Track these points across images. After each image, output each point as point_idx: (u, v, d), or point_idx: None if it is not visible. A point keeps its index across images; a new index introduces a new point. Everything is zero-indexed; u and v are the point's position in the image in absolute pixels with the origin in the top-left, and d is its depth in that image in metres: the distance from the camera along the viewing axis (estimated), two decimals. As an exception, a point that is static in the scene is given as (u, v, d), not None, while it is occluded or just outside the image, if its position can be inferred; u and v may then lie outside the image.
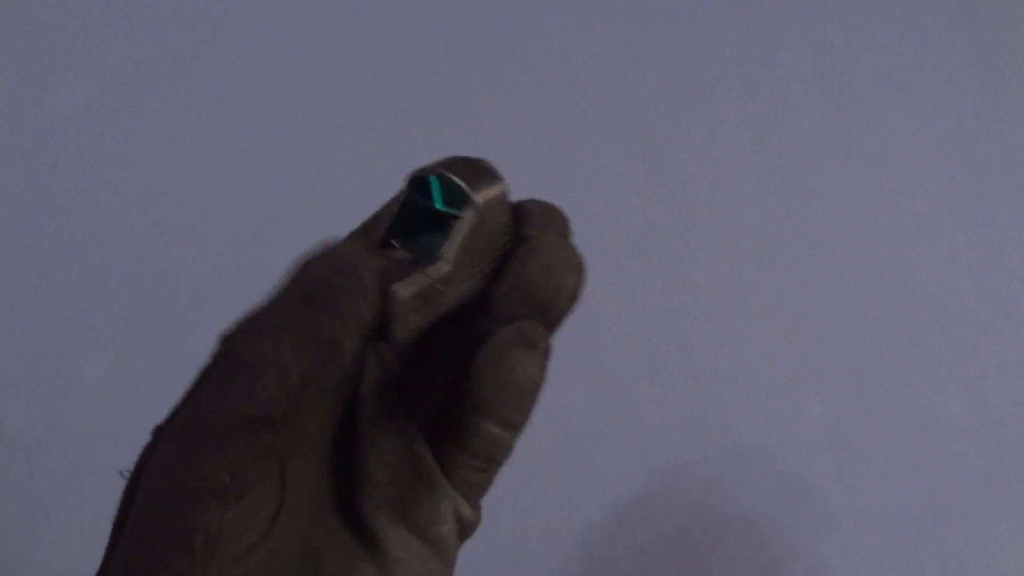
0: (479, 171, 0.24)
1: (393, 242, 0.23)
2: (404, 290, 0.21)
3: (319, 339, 0.19)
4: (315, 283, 0.20)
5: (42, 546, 0.64)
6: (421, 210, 0.24)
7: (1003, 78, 0.86)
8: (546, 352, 0.22)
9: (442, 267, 0.22)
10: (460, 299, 0.23)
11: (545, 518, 0.69)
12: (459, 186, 0.23)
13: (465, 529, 0.24)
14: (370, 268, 0.20)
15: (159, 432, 0.20)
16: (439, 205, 0.23)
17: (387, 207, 0.24)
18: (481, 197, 0.23)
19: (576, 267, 0.24)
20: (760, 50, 0.83)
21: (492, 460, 0.23)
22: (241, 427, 0.19)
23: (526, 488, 0.68)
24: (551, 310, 0.23)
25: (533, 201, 0.25)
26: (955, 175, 0.82)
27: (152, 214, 0.72)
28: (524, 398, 0.22)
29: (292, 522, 0.21)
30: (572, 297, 0.24)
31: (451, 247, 0.22)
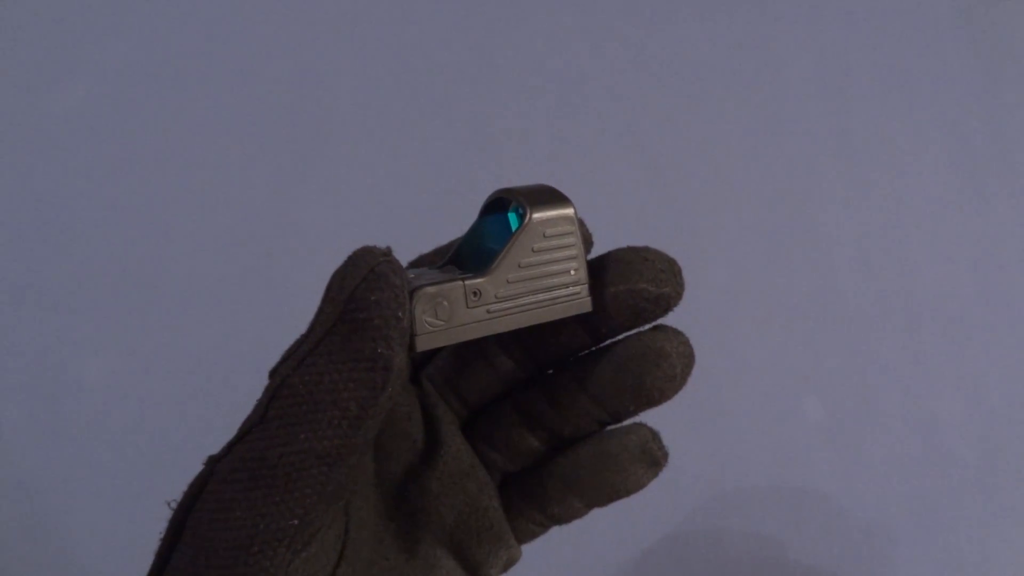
0: (544, 193, 0.23)
1: (451, 265, 0.23)
2: (422, 293, 0.20)
3: (368, 361, 0.18)
4: (351, 301, 0.19)
5: (42, 546, 0.64)
6: (490, 234, 0.23)
7: (1003, 78, 0.86)
8: (663, 467, 0.23)
9: (477, 276, 0.21)
10: (518, 324, 0.22)
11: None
12: (519, 201, 0.23)
13: (507, 567, 0.25)
14: (401, 275, 0.19)
15: (213, 463, 0.19)
16: (500, 231, 0.23)
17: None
18: (537, 212, 0.22)
19: (691, 363, 0.24)
20: (760, 50, 0.83)
21: (559, 524, 0.24)
22: (311, 464, 0.18)
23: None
24: (653, 404, 0.24)
25: (634, 250, 0.24)
26: (955, 175, 0.82)
27: (152, 214, 0.72)
28: (624, 497, 0.23)
29: (353, 566, 0.20)
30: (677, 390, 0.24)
31: (497, 259, 0.22)
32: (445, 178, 0.75)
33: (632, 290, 0.23)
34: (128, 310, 0.69)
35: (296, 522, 0.18)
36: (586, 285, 0.23)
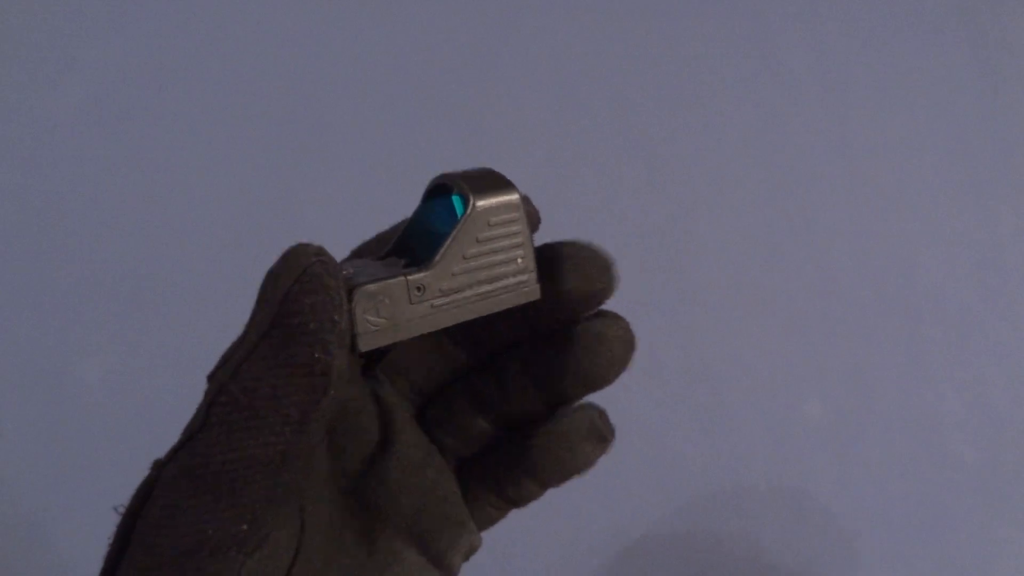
0: (488, 179, 0.23)
1: (393, 256, 0.22)
2: (362, 292, 0.19)
3: (306, 367, 0.18)
4: (285, 304, 0.18)
5: (42, 546, 0.64)
6: (434, 220, 0.22)
7: (1003, 78, 0.86)
8: (611, 444, 0.24)
9: (421, 271, 0.21)
10: (464, 317, 0.22)
11: (543, 518, 0.69)
12: (462, 189, 0.22)
13: (469, 555, 0.25)
14: (336, 275, 0.19)
15: (159, 468, 0.19)
16: (445, 216, 0.22)
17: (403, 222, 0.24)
18: (481, 201, 0.22)
19: (631, 347, 0.24)
20: (760, 50, 0.83)
21: (517, 507, 0.25)
22: (256, 471, 0.18)
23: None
24: (596, 387, 0.24)
25: (576, 247, 0.24)
26: (955, 175, 0.82)
27: (152, 214, 0.72)
28: (576, 475, 0.24)
29: (310, 565, 0.20)
30: (620, 374, 0.24)
31: (440, 250, 0.21)
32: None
33: (584, 288, 0.23)
34: (128, 310, 0.69)
35: (246, 527, 0.18)
36: (534, 273, 0.23)
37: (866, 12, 0.86)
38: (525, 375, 0.24)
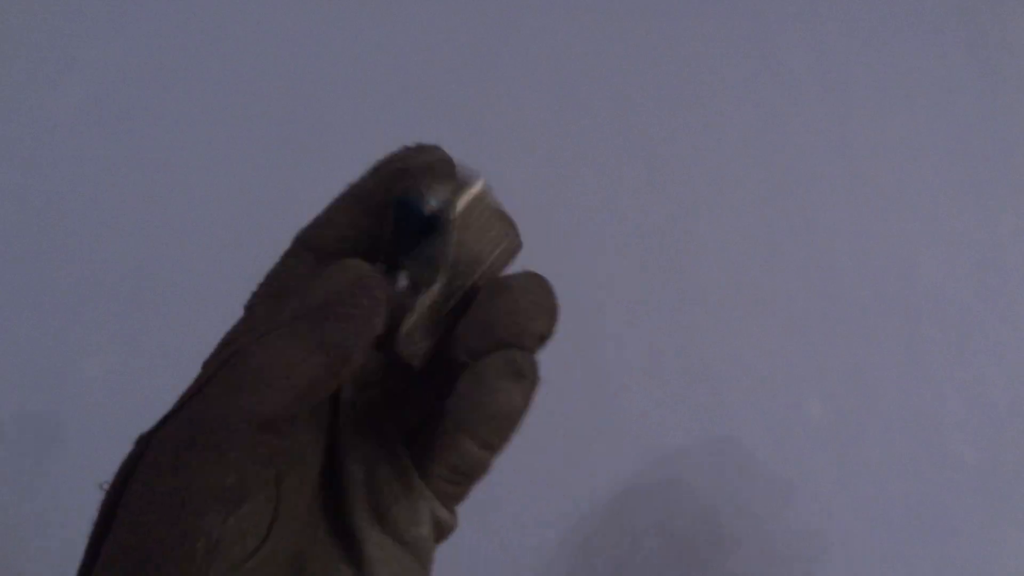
0: (449, 174, 0.24)
1: (401, 260, 0.23)
2: (405, 326, 0.22)
3: (332, 346, 0.19)
4: (333, 295, 0.20)
5: (42, 546, 0.64)
6: (413, 220, 0.23)
7: (1002, 78, 0.86)
8: (533, 383, 0.23)
9: (434, 291, 0.23)
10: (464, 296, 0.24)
11: (544, 517, 0.69)
12: (439, 196, 0.23)
13: (442, 532, 0.24)
14: (384, 290, 0.21)
15: (145, 441, 0.19)
16: (423, 218, 0.23)
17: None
18: (457, 207, 0.23)
19: (549, 311, 0.23)
20: (760, 50, 0.83)
21: (469, 476, 0.24)
22: (247, 430, 0.18)
23: (525, 488, 0.68)
24: (516, 347, 0.23)
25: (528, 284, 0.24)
26: (955, 175, 0.82)
27: (152, 214, 0.72)
28: (505, 424, 0.23)
29: (283, 531, 0.21)
30: (540, 339, 0.23)
31: (442, 264, 0.23)
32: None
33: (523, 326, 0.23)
34: (128, 310, 0.69)
35: (232, 480, 0.18)
36: (512, 230, 0.24)
37: (866, 12, 0.86)
38: (457, 325, 0.24)
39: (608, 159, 0.78)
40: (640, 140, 0.79)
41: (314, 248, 0.24)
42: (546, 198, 0.75)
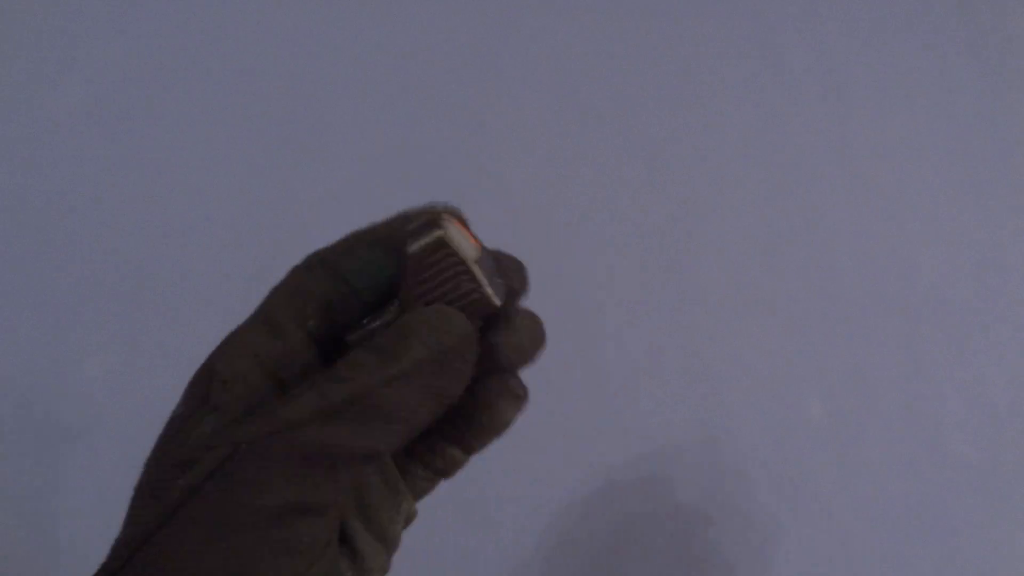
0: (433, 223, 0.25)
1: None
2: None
3: (444, 396, 0.22)
4: (451, 349, 0.22)
5: (43, 545, 0.64)
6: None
7: (1002, 78, 0.86)
8: (525, 403, 0.26)
9: (382, 317, 0.24)
10: None
11: (544, 517, 0.69)
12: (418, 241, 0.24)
13: (408, 524, 0.26)
14: (477, 349, 0.23)
15: (237, 444, 0.21)
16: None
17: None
18: (410, 248, 0.24)
19: (542, 345, 0.26)
20: (760, 50, 0.83)
21: (446, 475, 0.27)
22: (355, 461, 0.21)
23: (526, 488, 0.69)
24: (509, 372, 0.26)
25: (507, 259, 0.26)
26: (955, 175, 0.82)
27: (152, 214, 0.72)
28: (494, 437, 0.26)
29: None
30: (531, 362, 0.26)
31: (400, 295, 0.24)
32: (444, 177, 0.75)
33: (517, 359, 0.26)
34: (128, 310, 0.69)
35: (340, 499, 0.21)
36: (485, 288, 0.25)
37: (866, 12, 0.86)
38: None
39: (608, 159, 0.78)
40: (640, 140, 0.79)
41: (334, 272, 0.25)
42: (546, 198, 0.75)
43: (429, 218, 0.24)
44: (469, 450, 0.26)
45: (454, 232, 0.24)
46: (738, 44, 0.83)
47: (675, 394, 0.73)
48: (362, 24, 0.79)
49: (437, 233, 0.24)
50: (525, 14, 0.81)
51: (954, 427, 0.75)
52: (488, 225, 0.29)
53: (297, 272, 0.25)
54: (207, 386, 0.22)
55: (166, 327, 0.69)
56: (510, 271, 0.26)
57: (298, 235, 0.68)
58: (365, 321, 0.24)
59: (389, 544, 0.25)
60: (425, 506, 0.27)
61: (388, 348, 0.22)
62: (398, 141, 0.76)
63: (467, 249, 0.24)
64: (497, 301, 0.24)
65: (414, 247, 0.24)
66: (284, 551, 0.20)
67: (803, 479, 0.72)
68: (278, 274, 0.25)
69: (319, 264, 0.25)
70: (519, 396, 0.25)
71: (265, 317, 0.24)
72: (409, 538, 0.26)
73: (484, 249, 0.25)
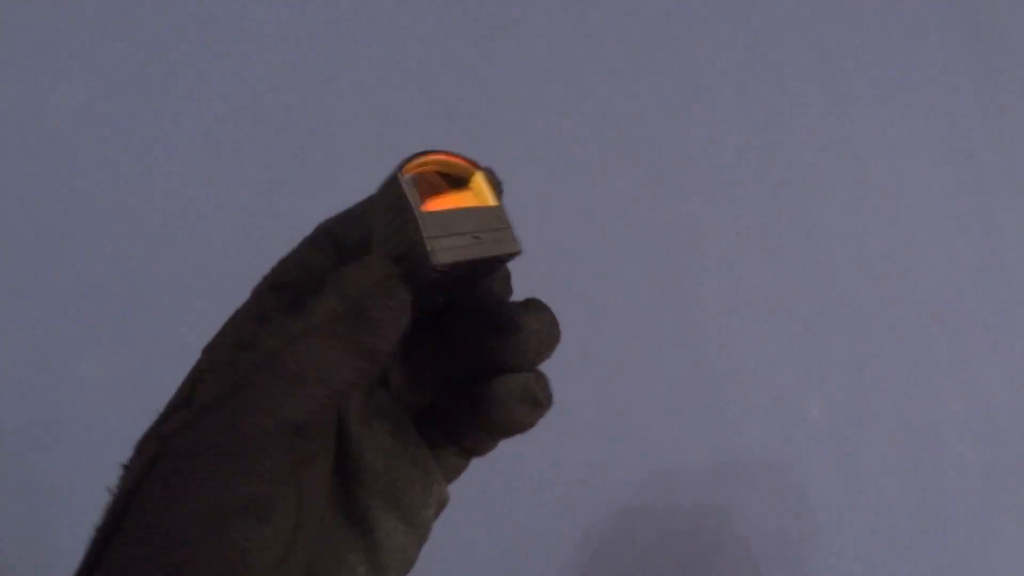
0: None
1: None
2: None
3: (365, 350, 0.20)
4: (362, 297, 0.20)
5: (42, 547, 0.64)
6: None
7: (1003, 78, 0.86)
8: (547, 408, 0.24)
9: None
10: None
11: (545, 517, 0.69)
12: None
13: (441, 508, 0.25)
14: (410, 288, 0.21)
15: (157, 444, 0.19)
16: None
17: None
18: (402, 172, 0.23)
19: (556, 342, 0.25)
20: (760, 50, 0.83)
21: (480, 454, 0.25)
22: (280, 438, 0.18)
23: (526, 488, 0.68)
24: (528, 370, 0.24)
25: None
26: (955, 175, 0.82)
27: (152, 214, 0.72)
28: (519, 432, 0.24)
29: (306, 533, 0.21)
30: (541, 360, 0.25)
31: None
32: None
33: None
34: (128, 310, 0.69)
35: (264, 490, 0.18)
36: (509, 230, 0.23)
37: (866, 12, 0.86)
38: (465, 340, 0.24)
39: (608, 159, 0.78)
40: (641, 140, 0.79)
41: (338, 243, 0.24)
42: (547, 198, 0.75)
43: (409, 156, 0.22)
44: (497, 439, 0.25)
45: (416, 176, 0.22)
46: (738, 44, 0.83)
47: (675, 394, 0.72)
48: (362, 24, 0.79)
49: (394, 172, 0.22)
50: (525, 14, 0.81)
51: (954, 427, 0.75)
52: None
53: (302, 246, 0.24)
54: (193, 381, 0.21)
55: (166, 327, 0.69)
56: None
57: (299, 235, 0.67)
58: None
59: (419, 529, 0.24)
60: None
61: (303, 303, 0.21)
62: (397, 141, 0.76)
63: (429, 197, 0.22)
64: (436, 260, 0.21)
65: (378, 189, 0.22)
66: (225, 563, 0.18)
67: (803, 479, 0.72)
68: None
69: (325, 236, 0.24)
70: (539, 405, 0.24)
71: (251, 300, 0.23)
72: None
73: (494, 212, 0.23)
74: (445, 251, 0.21)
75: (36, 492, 0.65)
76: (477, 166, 0.24)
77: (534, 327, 0.23)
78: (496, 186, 0.24)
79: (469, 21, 0.80)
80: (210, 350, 0.22)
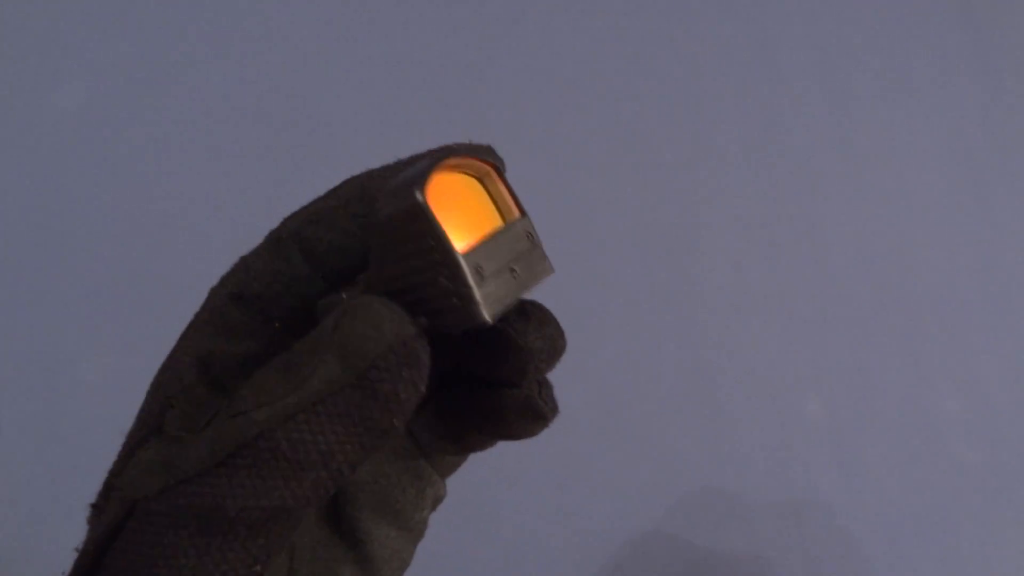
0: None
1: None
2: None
3: (374, 428, 0.17)
4: (372, 368, 0.16)
5: (43, 546, 0.64)
6: None
7: (1003, 78, 0.86)
8: (552, 419, 0.22)
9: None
10: None
11: (544, 517, 0.69)
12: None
13: (437, 505, 0.24)
14: (429, 350, 0.17)
15: (131, 507, 0.18)
16: None
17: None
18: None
19: (561, 353, 0.22)
20: (760, 50, 0.83)
21: (477, 450, 0.24)
22: (279, 519, 0.17)
23: (526, 488, 0.68)
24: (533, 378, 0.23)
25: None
26: (955, 175, 0.82)
27: (152, 214, 0.72)
28: (519, 439, 0.23)
29: (296, 557, 0.20)
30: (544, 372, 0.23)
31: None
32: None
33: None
34: (128, 310, 0.69)
35: (259, 568, 0.17)
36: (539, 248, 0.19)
37: (866, 12, 0.86)
38: (460, 357, 0.22)
39: (608, 159, 0.78)
40: (640, 140, 0.79)
41: (307, 249, 0.21)
42: (547, 198, 0.75)
43: (424, 168, 0.17)
44: (498, 441, 0.23)
45: (445, 194, 0.17)
46: (738, 44, 0.83)
47: (675, 394, 0.72)
48: (361, 24, 0.79)
49: (414, 197, 0.16)
50: (525, 14, 0.81)
51: (954, 427, 0.75)
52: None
53: (267, 250, 0.21)
54: (160, 406, 0.19)
55: (166, 327, 0.69)
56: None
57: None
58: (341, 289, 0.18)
59: (414, 530, 0.22)
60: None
61: (296, 365, 0.17)
62: (397, 141, 0.76)
63: (465, 225, 0.17)
64: (484, 316, 0.17)
65: (385, 212, 0.17)
66: None
67: (803, 479, 0.72)
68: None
69: (292, 240, 0.21)
70: (543, 417, 0.22)
71: (213, 308, 0.21)
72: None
73: (521, 228, 0.17)
74: (493, 302, 0.17)
75: (36, 492, 0.65)
76: (486, 160, 0.19)
77: (536, 345, 0.21)
78: (510, 188, 0.19)
79: (469, 21, 0.80)
80: (172, 366, 0.20)
